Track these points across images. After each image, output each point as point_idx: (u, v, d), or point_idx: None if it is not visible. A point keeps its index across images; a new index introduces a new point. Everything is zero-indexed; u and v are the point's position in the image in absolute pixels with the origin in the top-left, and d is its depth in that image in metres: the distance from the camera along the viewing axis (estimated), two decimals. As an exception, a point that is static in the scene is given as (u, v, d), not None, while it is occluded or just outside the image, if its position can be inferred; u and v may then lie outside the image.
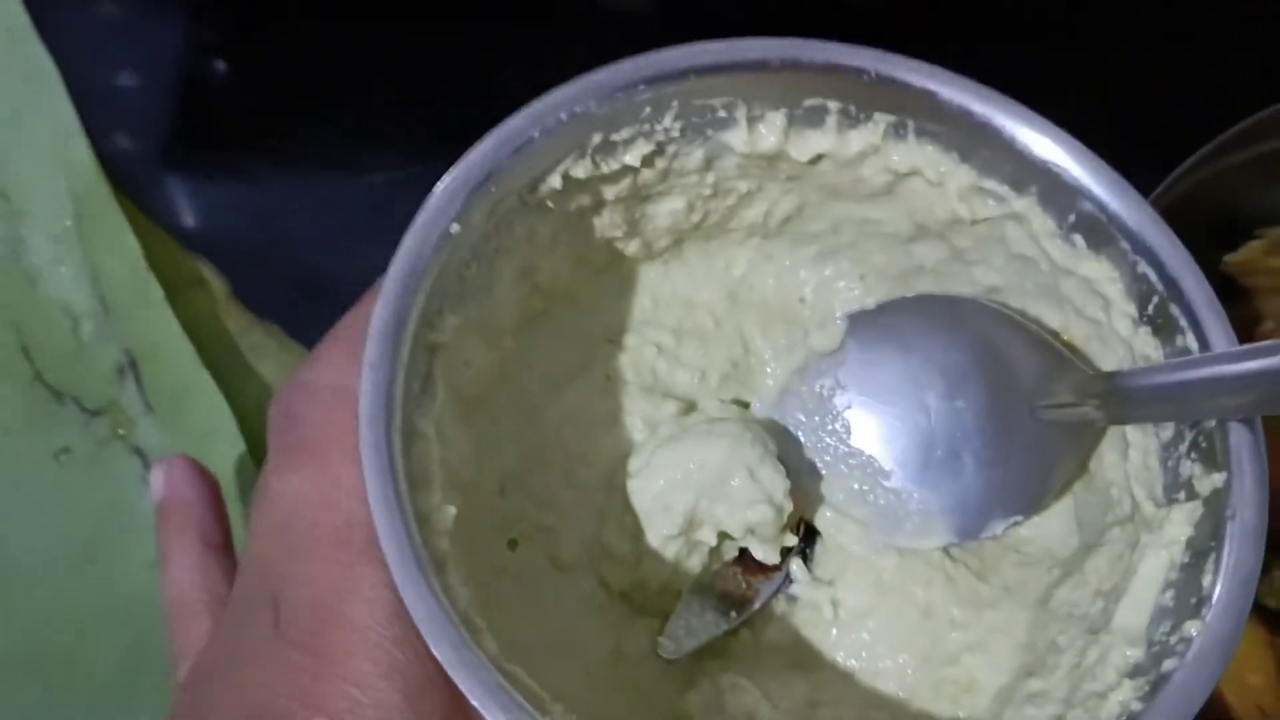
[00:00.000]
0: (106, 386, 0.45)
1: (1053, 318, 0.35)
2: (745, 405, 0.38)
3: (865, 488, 0.36)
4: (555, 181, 0.32)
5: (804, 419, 0.37)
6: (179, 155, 0.52)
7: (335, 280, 0.40)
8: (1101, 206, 0.32)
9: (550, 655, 0.33)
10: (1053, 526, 0.35)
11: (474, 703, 0.25)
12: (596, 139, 0.32)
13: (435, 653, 0.25)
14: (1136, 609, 0.29)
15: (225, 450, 0.42)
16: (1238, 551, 0.27)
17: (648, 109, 0.32)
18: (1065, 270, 0.33)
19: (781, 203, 0.37)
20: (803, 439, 0.37)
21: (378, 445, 0.27)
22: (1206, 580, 0.27)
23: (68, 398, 0.45)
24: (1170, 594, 0.28)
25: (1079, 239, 0.32)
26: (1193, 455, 0.30)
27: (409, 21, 0.51)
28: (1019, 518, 0.34)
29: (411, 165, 0.50)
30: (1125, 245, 0.31)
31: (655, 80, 0.32)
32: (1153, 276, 0.31)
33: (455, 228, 0.30)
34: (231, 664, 0.28)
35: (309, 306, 0.45)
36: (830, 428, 0.37)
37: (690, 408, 0.37)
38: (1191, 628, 0.27)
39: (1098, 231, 0.32)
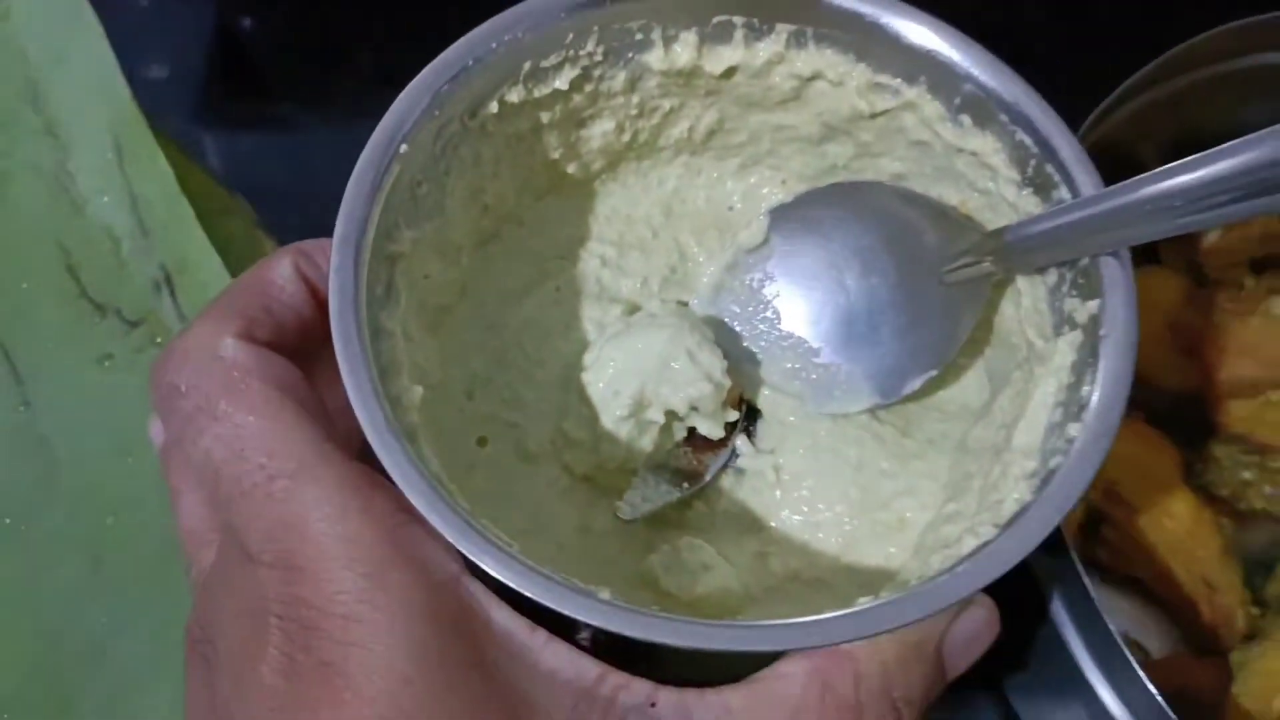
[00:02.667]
0: (145, 299, 0.49)
1: (951, 194, 0.38)
2: (685, 305, 0.42)
3: (798, 365, 0.40)
4: (493, 106, 0.36)
5: (738, 310, 0.41)
6: (212, 104, 0.55)
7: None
8: (981, 87, 0.35)
9: (522, 533, 0.37)
10: (968, 384, 0.39)
11: (450, 539, 0.28)
12: (527, 66, 0.36)
13: (412, 501, 0.28)
14: (1031, 429, 0.32)
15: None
16: (1112, 361, 0.31)
17: (571, 35, 0.36)
18: (956, 148, 0.37)
19: (704, 118, 0.41)
20: (739, 328, 0.41)
21: (348, 338, 0.30)
22: (1085, 390, 0.31)
23: (110, 310, 0.49)
24: (1059, 410, 0.32)
25: (966, 119, 0.36)
26: (1073, 292, 0.33)
27: None
28: (933, 372, 0.38)
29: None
30: (1004, 118, 0.35)
31: (576, 8, 0.36)
32: (1029, 142, 0.35)
33: (404, 148, 0.33)
34: (225, 583, 0.32)
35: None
36: (762, 315, 0.40)
37: (634, 309, 0.41)
38: (1073, 429, 0.30)
39: (981, 110, 0.36)
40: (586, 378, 0.38)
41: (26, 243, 0.50)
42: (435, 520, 0.28)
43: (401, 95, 0.34)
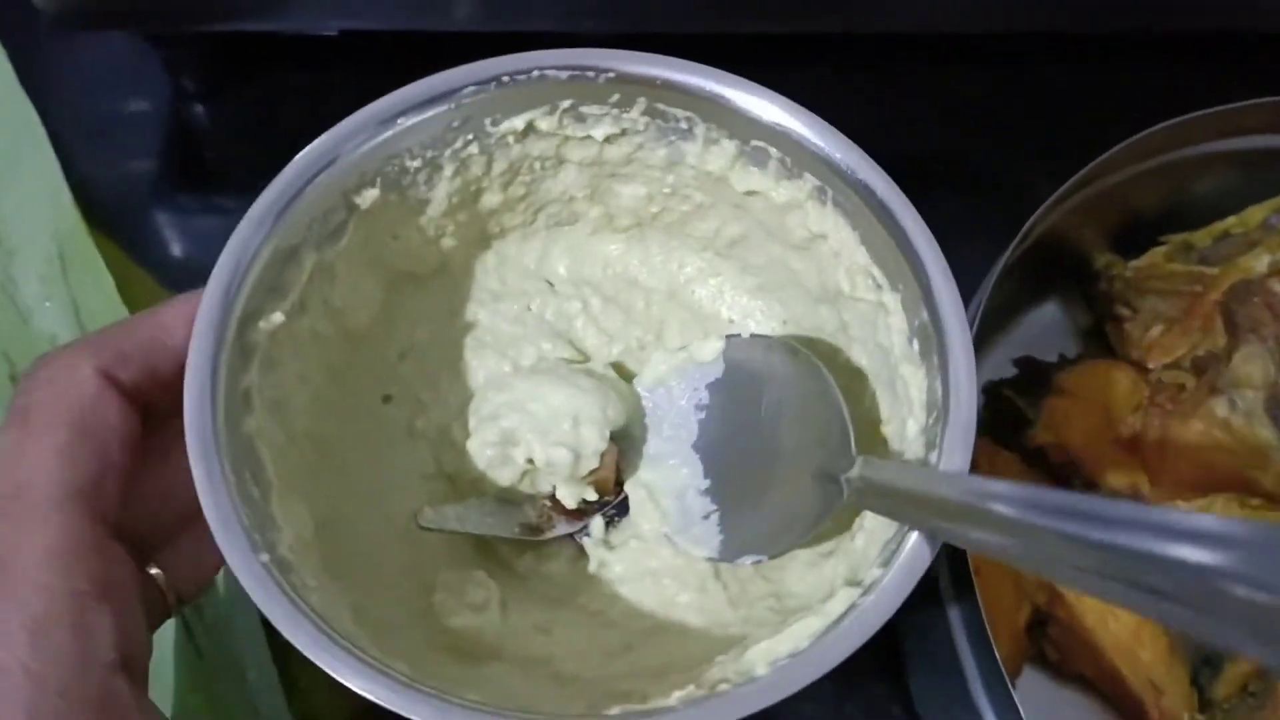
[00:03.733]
0: None
1: (886, 407, 0.37)
2: (631, 375, 0.43)
3: (680, 485, 0.40)
4: (518, 123, 0.38)
5: (663, 408, 0.41)
6: (166, 195, 0.55)
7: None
8: (938, 327, 0.34)
9: (368, 494, 0.40)
10: (818, 591, 0.38)
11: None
12: (565, 103, 0.38)
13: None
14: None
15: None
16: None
17: (616, 95, 0.38)
18: (898, 369, 0.36)
19: (730, 225, 0.41)
20: (654, 422, 0.41)
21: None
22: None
23: None
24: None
25: (916, 344, 0.35)
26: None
27: (382, 63, 0.51)
28: (763, 558, 0.37)
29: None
30: (935, 359, 0.34)
31: (623, 76, 0.37)
32: (939, 393, 0.33)
33: (407, 121, 0.37)
34: None
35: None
36: (681, 425, 0.41)
37: (584, 358, 0.42)
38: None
39: (926, 343, 0.34)
40: (487, 393, 0.40)
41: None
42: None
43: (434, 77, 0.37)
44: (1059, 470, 0.49)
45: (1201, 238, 0.52)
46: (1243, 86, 0.49)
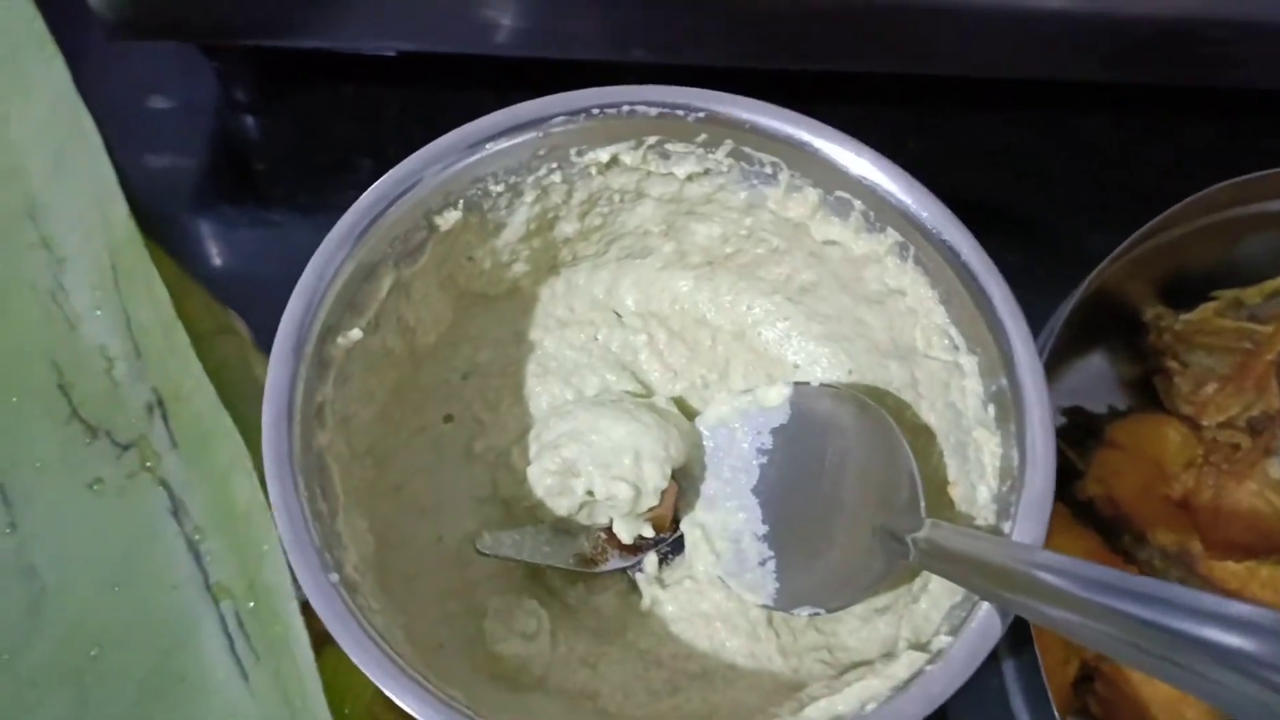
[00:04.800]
0: (136, 423, 0.47)
1: (954, 469, 0.37)
2: (694, 413, 0.42)
3: (737, 528, 0.40)
4: (602, 155, 0.38)
5: (724, 449, 0.41)
6: (213, 205, 0.55)
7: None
8: (1018, 395, 0.34)
9: (423, 514, 0.40)
10: (872, 647, 0.38)
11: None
12: (651, 139, 0.38)
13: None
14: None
15: (242, 483, 0.45)
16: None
17: (703, 135, 0.38)
18: (972, 432, 0.35)
19: (803, 272, 0.41)
20: (714, 463, 0.41)
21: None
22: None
23: (101, 432, 0.47)
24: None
25: (992, 409, 0.35)
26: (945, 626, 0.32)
27: (428, 78, 0.54)
28: (821, 611, 0.37)
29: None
30: (1012, 427, 0.34)
31: (712, 116, 0.37)
32: (1014, 464, 0.33)
33: (495, 146, 0.37)
34: None
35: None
36: (743, 468, 0.40)
37: (647, 392, 0.42)
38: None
39: (1003, 410, 0.34)
40: (550, 421, 0.40)
41: (19, 358, 0.48)
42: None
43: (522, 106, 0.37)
44: (1108, 524, 0.48)
45: (1252, 295, 0.52)
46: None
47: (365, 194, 0.36)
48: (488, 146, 0.37)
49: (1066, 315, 0.44)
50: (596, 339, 0.43)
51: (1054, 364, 0.54)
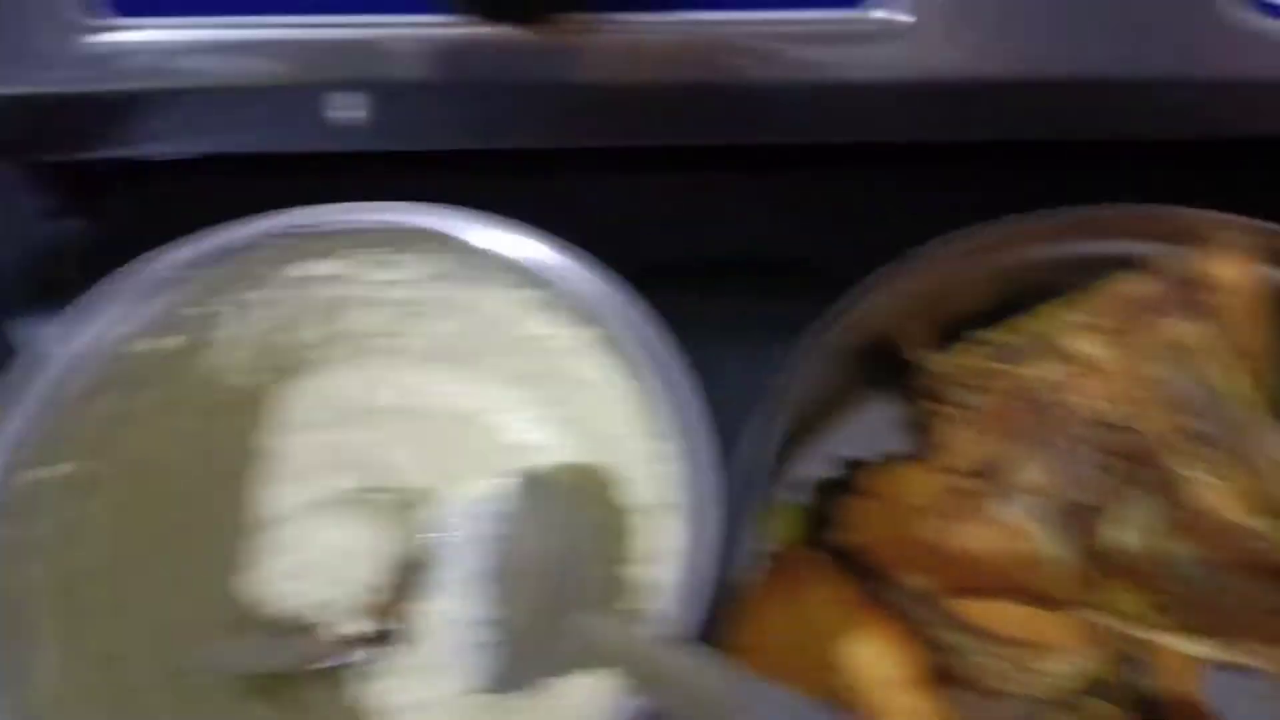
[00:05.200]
0: None
1: (649, 551, 0.40)
2: (430, 502, 0.44)
3: (463, 615, 0.41)
4: (316, 269, 0.41)
5: (453, 538, 0.42)
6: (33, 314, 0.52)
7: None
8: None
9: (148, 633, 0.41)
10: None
11: None
12: (363, 252, 0.41)
13: None
14: None
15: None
16: None
17: (416, 246, 0.40)
18: (663, 516, 0.38)
19: (531, 361, 0.44)
20: (443, 552, 0.43)
21: None
22: None
23: None
24: None
25: (685, 494, 0.38)
26: None
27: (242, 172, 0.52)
28: (528, 691, 0.39)
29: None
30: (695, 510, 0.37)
31: (420, 232, 0.40)
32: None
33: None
34: None
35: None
36: (466, 556, 0.42)
37: (384, 488, 0.44)
38: None
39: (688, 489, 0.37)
40: (275, 526, 0.42)
41: None
42: None
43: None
44: (866, 570, 0.49)
45: (1001, 335, 0.52)
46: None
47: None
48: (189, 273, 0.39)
49: (807, 345, 0.45)
50: (333, 439, 0.45)
51: (834, 410, 0.56)
